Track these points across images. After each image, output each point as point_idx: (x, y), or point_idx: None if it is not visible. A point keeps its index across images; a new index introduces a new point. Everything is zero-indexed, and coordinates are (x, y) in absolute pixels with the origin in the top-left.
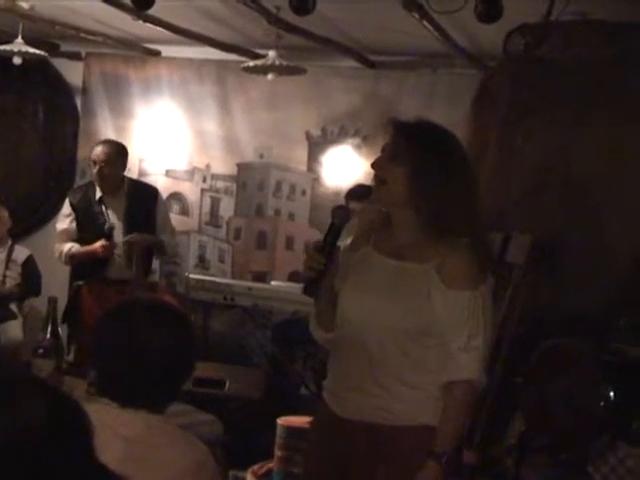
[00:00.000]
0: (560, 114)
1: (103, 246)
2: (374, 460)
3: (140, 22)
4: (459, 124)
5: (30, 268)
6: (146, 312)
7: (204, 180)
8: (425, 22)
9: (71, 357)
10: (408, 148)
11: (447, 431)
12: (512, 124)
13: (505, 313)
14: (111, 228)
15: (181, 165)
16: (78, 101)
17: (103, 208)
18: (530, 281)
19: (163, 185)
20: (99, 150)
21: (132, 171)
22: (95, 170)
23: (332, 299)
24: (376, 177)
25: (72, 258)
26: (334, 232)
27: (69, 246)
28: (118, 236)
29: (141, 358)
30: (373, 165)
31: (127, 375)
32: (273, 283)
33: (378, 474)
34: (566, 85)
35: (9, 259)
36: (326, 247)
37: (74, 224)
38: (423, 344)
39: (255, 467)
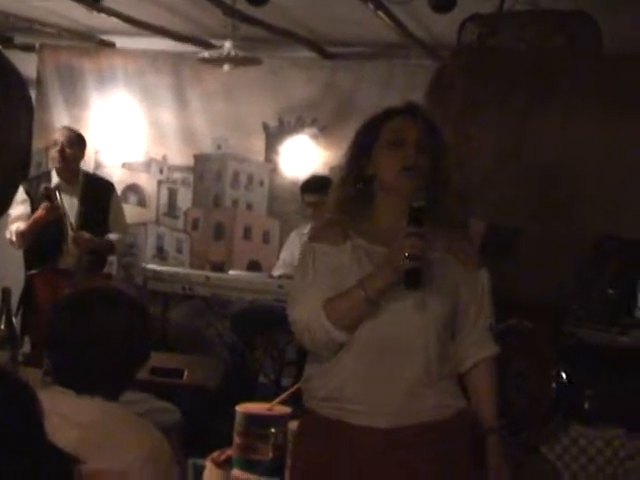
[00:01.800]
0: (512, 103)
1: (45, 208)
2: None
3: (94, 13)
4: None
5: None
6: (99, 299)
7: (161, 171)
8: (380, 13)
9: (26, 348)
10: (431, 137)
11: (496, 404)
12: (466, 113)
13: None
14: (48, 189)
15: (138, 156)
16: (32, 93)
17: (57, 194)
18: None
19: (120, 177)
20: (62, 132)
21: (88, 163)
22: (56, 150)
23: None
24: (410, 166)
25: (22, 235)
26: (420, 215)
27: (17, 225)
28: (71, 226)
29: (95, 345)
30: (410, 156)
31: (81, 362)
32: (231, 272)
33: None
34: (518, 74)
35: None
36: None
37: (29, 209)
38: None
39: (214, 454)
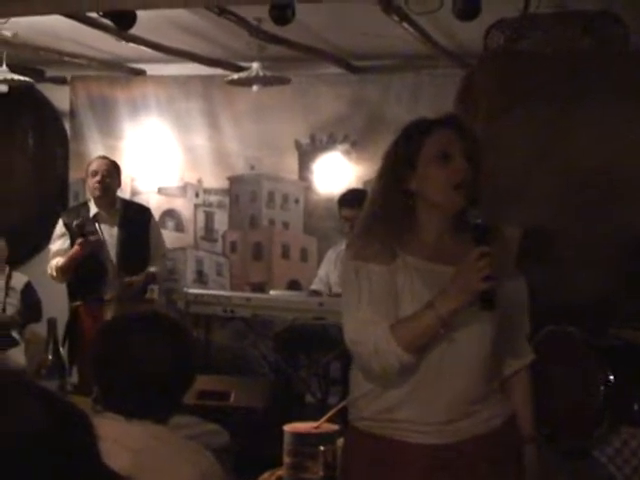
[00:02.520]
0: (542, 105)
1: (80, 244)
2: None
3: (123, 42)
4: None
5: (29, 294)
6: (142, 323)
7: (197, 195)
8: (405, 24)
9: (74, 378)
10: (474, 149)
11: (533, 413)
12: (495, 118)
13: None
14: (80, 225)
15: (173, 182)
16: (67, 125)
17: (97, 225)
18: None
19: (156, 203)
20: (99, 162)
21: (124, 190)
22: (95, 180)
23: None
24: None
25: (62, 270)
26: (485, 233)
27: (57, 260)
28: (111, 253)
29: (139, 369)
30: (460, 171)
31: (128, 387)
32: (272, 293)
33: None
34: (547, 77)
35: (8, 286)
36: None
37: (67, 243)
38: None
39: (265, 475)
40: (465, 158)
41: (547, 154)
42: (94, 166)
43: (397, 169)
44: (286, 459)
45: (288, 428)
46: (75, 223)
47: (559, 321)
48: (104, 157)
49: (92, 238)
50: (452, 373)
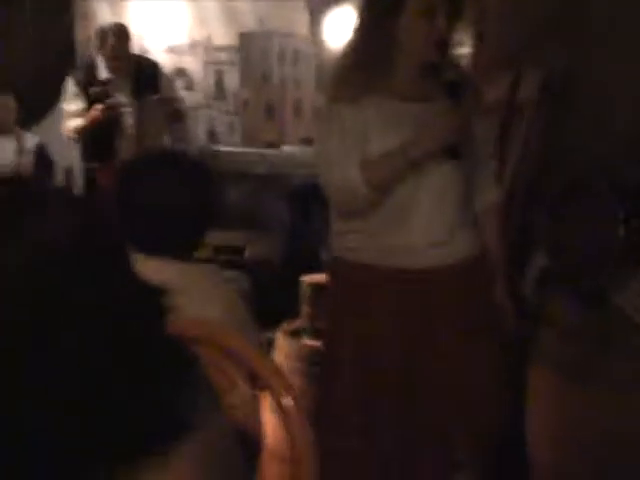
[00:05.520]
0: None
1: (100, 110)
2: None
3: None
4: None
5: (42, 155)
6: (161, 160)
7: (206, 53)
8: None
9: None
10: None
11: (504, 251)
12: None
13: (520, 155)
14: (97, 92)
15: (182, 39)
16: None
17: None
18: (545, 120)
19: (165, 61)
20: (112, 25)
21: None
22: (111, 42)
23: None
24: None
25: (79, 132)
26: (457, 89)
27: (74, 121)
28: (128, 115)
29: (158, 205)
30: (441, 29)
31: (147, 224)
32: (285, 149)
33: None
34: None
35: (20, 148)
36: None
37: (83, 103)
38: None
39: (284, 325)
40: (448, 15)
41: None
42: (106, 29)
43: (381, 16)
44: (305, 309)
45: (306, 279)
46: (93, 90)
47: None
48: (116, 24)
49: (111, 102)
50: (431, 203)
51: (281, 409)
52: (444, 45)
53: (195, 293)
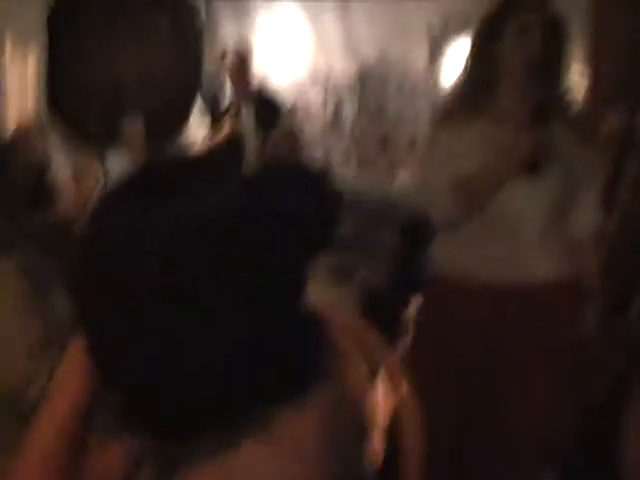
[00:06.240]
0: None
1: (230, 123)
2: None
3: None
4: None
5: None
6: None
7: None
8: None
9: None
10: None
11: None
12: None
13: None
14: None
15: (302, 71)
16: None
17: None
18: None
19: (286, 91)
20: (234, 48)
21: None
22: (235, 75)
23: None
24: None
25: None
26: (545, 113)
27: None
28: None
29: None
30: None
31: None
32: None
33: None
34: None
35: None
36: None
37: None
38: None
39: None
40: (544, 37)
41: None
42: (230, 56)
43: (483, 46)
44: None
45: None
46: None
47: None
48: (239, 50)
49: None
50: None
51: (391, 384)
52: (540, 70)
53: None
